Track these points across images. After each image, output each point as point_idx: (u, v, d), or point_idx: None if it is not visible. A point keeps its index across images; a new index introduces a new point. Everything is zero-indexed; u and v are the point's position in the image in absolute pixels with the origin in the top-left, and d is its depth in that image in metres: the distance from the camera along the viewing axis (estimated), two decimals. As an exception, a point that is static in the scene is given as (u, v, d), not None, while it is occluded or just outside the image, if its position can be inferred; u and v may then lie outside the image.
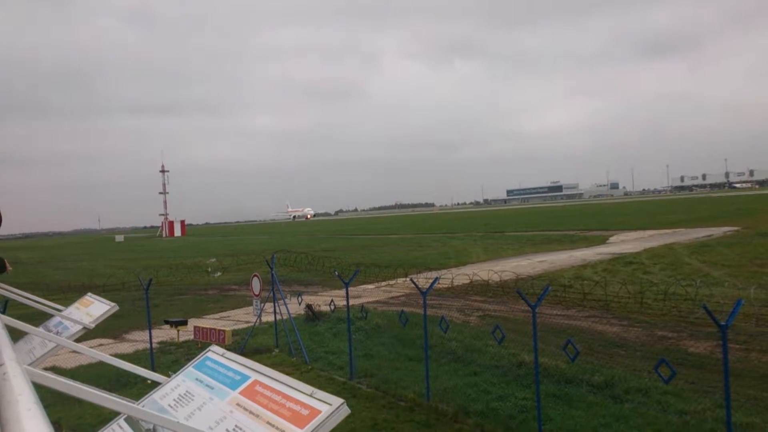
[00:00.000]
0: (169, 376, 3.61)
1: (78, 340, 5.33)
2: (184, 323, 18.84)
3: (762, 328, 15.76)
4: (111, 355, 4.63)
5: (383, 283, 29.47)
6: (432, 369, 12.63)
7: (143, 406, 3.11)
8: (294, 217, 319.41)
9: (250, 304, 22.20)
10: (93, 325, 5.82)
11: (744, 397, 10.80)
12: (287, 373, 2.95)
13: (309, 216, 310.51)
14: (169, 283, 35.13)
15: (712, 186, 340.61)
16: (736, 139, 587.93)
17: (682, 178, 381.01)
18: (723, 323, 7.27)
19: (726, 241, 39.36)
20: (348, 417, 2.55)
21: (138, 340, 19.86)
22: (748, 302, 16.67)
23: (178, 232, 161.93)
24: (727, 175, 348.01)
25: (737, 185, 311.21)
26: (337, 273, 17.76)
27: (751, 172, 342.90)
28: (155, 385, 3.57)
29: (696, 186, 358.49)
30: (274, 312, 17.46)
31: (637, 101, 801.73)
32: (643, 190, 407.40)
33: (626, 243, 43.84)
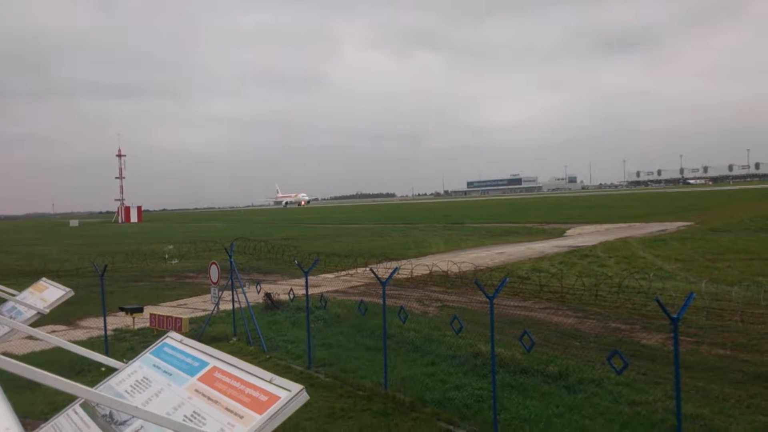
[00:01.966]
0: (124, 362, 3.56)
1: (32, 326, 5.22)
2: (140, 310, 18.56)
3: (712, 321, 16.23)
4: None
5: (343, 273, 29.46)
6: (390, 358, 12.70)
7: (100, 392, 3.07)
8: (285, 203, 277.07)
9: (207, 291, 21.99)
10: (47, 311, 5.72)
11: (694, 389, 11.13)
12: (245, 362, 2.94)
13: (303, 202, 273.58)
14: (125, 269, 34.54)
15: (667, 182, 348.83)
16: (691, 137, 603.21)
17: (638, 174, 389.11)
18: (675, 316, 7.45)
19: (679, 235, 40.42)
20: (305, 406, 2.56)
21: (92, 327, 19.51)
22: (700, 296, 17.15)
23: (134, 218, 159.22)
24: (681, 171, 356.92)
25: (691, 181, 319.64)
26: (296, 262, 17.68)
27: (705, 169, 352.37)
28: (110, 373, 3.53)
29: (651, 181, 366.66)
30: (233, 300, 17.32)
31: (596, 97, 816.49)
32: (600, 184, 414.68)
33: (583, 236, 44.64)
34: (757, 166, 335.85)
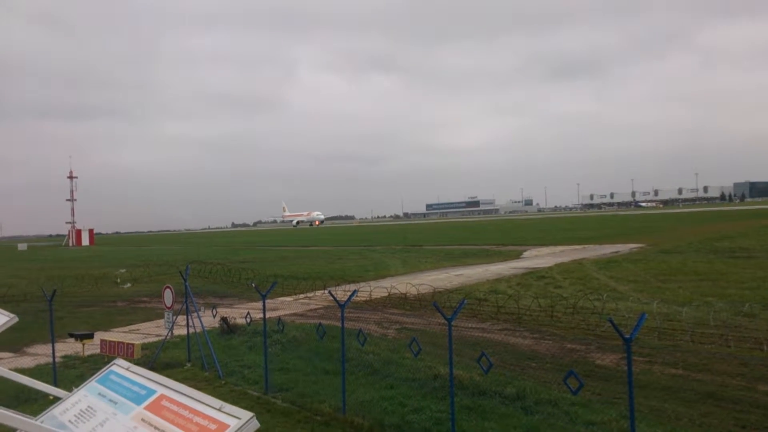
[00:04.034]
0: (71, 391, 3.43)
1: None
2: (90, 336, 18.04)
3: (664, 341, 16.53)
4: (10, 369, 4.37)
5: (301, 296, 29.20)
6: (349, 382, 12.57)
7: (42, 422, 2.94)
8: (297, 222, 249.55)
9: (161, 316, 21.50)
10: (-12, 338, 5.50)
11: (647, 408, 11.27)
12: (199, 388, 2.85)
13: (317, 222, 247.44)
14: (75, 294, 33.59)
15: (620, 204, 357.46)
16: (642, 161, 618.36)
17: (591, 197, 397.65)
18: (627, 336, 7.54)
19: (631, 257, 41.25)
20: (260, 432, 2.48)
21: (40, 354, 18.87)
22: (652, 316, 17.48)
23: (86, 241, 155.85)
24: (633, 194, 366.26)
25: (643, 204, 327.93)
26: (254, 285, 17.45)
27: (656, 192, 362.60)
28: (57, 401, 3.39)
29: (604, 204, 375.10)
30: (187, 325, 16.96)
31: (550, 121, 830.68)
32: (556, 207, 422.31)
33: (539, 258, 45.22)
34: (705, 189, 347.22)
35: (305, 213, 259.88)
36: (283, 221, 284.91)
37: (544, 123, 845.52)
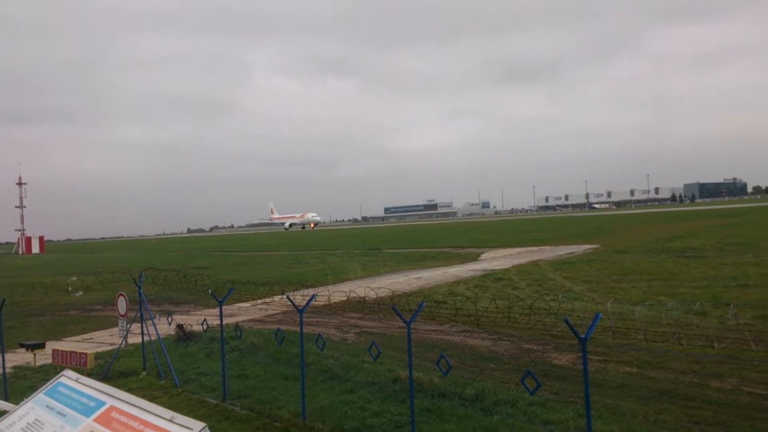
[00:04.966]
0: (19, 403, 3.31)
1: None
2: (42, 346, 17.54)
3: (619, 340, 16.85)
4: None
5: (259, 301, 28.92)
6: (308, 387, 12.47)
7: (-15, 439, 2.82)
8: (290, 225, 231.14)
9: (115, 325, 21.03)
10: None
11: (603, 407, 11.45)
12: (156, 397, 2.79)
13: (312, 225, 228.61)
14: (25, 303, 32.66)
15: (574, 206, 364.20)
16: (595, 163, 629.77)
17: (546, 199, 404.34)
18: (583, 336, 7.64)
19: (586, 258, 42.00)
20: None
21: (-12, 365, 18.26)
22: (606, 316, 17.81)
23: (36, 249, 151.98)
24: (587, 196, 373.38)
25: (596, 206, 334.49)
26: (210, 291, 17.19)
27: (609, 194, 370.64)
28: (4, 414, 3.27)
29: (559, 206, 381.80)
30: (142, 333, 16.62)
31: (506, 124, 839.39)
32: (512, 209, 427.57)
33: (496, 260, 45.68)
34: (656, 190, 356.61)
35: (299, 215, 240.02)
36: (271, 223, 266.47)
37: (499, 126, 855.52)
